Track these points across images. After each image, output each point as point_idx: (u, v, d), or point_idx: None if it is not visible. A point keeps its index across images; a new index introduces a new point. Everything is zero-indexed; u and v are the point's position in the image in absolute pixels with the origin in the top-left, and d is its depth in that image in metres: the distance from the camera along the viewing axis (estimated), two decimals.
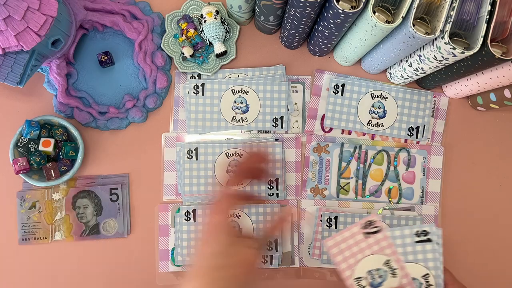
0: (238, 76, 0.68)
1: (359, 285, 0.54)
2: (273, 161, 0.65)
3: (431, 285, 0.53)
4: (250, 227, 0.66)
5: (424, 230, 0.53)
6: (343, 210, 0.67)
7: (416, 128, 0.68)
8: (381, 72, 0.69)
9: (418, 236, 0.53)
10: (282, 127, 0.67)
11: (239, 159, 0.57)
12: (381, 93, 0.68)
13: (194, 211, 0.66)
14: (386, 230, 0.54)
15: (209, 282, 0.46)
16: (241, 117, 0.67)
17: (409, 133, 0.68)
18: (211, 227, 0.49)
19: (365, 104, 0.68)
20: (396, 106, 0.68)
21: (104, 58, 0.66)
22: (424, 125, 0.68)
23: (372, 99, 0.68)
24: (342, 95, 0.68)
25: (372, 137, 0.69)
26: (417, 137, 0.68)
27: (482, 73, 0.59)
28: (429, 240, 0.53)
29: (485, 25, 0.50)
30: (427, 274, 0.53)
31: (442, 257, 0.53)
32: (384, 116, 0.68)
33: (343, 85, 0.68)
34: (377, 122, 0.68)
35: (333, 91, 0.68)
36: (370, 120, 0.68)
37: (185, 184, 0.66)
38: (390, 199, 0.68)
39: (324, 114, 0.68)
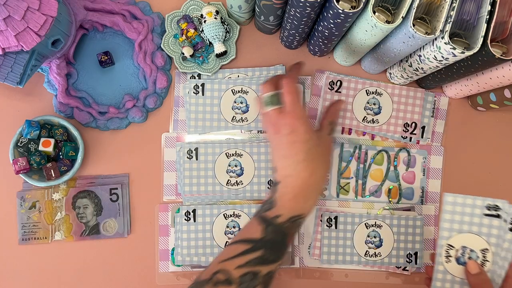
0: (238, 76, 0.68)
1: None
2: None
3: (487, 261, 0.52)
4: None
5: (496, 205, 0.52)
6: (343, 210, 0.67)
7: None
8: (381, 72, 0.69)
9: (489, 210, 0.52)
10: None
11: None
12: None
13: (194, 211, 0.66)
14: (459, 196, 0.53)
15: (309, 175, 0.53)
16: (241, 117, 0.67)
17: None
18: (295, 130, 0.53)
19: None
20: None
21: (104, 58, 0.66)
22: (424, 126, 0.68)
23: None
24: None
25: (372, 137, 0.69)
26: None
27: (482, 73, 0.59)
28: (498, 216, 0.52)
29: (485, 25, 0.50)
30: (487, 249, 0.52)
31: None
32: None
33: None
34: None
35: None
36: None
37: (185, 184, 0.66)
38: (390, 199, 0.68)
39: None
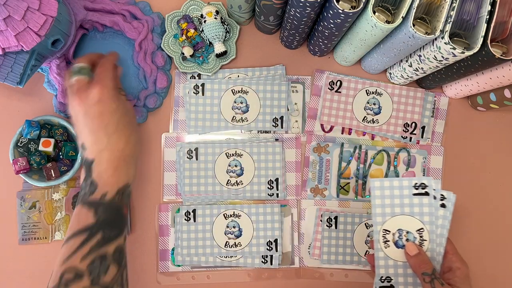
0: (238, 76, 0.68)
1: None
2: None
3: (425, 240, 0.52)
4: (250, 227, 0.66)
5: (422, 183, 0.52)
6: (343, 210, 0.67)
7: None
8: (381, 72, 0.69)
9: (416, 189, 0.52)
10: (282, 127, 0.67)
11: None
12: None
13: (194, 211, 0.66)
14: (386, 180, 0.53)
15: (124, 144, 0.52)
16: (241, 117, 0.67)
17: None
18: (95, 99, 0.51)
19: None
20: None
21: None
22: (424, 126, 0.68)
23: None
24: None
25: (372, 137, 0.69)
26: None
27: (482, 73, 0.59)
28: (426, 194, 0.52)
29: (485, 25, 0.50)
30: (422, 228, 0.52)
31: (450, 224, 0.52)
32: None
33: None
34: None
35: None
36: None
37: (185, 184, 0.66)
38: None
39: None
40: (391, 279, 0.53)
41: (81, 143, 0.53)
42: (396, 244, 0.53)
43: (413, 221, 0.52)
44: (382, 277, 0.53)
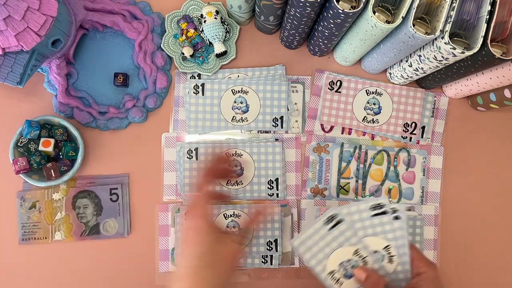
0: (238, 76, 0.68)
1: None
2: (233, 161, 0.67)
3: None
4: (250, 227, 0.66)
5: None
6: None
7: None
8: (381, 72, 0.69)
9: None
10: (282, 127, 0.67)
11: (209, 162, 0.58)
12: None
13: None
14: (346, 214, 0.53)
15: (197, 282, 0.47)
16: (241, 117, 0.67)
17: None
18: (194, 231, 0.50)
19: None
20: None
21: (120, 79, 0.65)
22: (424, 126, 0.68)
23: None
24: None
25: (372, 137, 0.69)
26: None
27: (482, 73, 0.59)
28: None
29: (485, 25, 0.50)
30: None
31: (407, 233, 0.52)
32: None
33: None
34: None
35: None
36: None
37: (185, 184, 0.66)
38: (390, 199, 0.68)
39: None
40: None
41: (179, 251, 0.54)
42: (346, 276, 0.53)
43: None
44: None
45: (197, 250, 0.49)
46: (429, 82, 0.67)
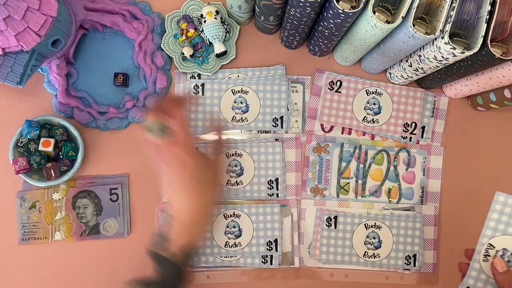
0: (238, 76, 0.68)
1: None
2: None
3: None
4: (250, 227, 0.66)
5: None
6: (343, 210, 0.67)
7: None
8: (381, 72, 0.69)
9: None
10: (282, 127, 0.67)
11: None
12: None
13: None
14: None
15: (196, 198, 0.54)
16: (241, 117, 0.67)
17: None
18: (179, 161, 0.53)
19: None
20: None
21: (120, 79, 0.65)
22: (424, 126, 0.68)
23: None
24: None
25: (372, 137, 0.69)
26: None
27: (482, 73, 0.59)
28: None
29: (485, 25, 0.50)
30: None
31: None
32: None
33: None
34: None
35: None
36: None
37: None
38: (390, 199, 0.68)
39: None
40: None
41: (167, 199, 0.63)
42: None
43: None
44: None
45: (192, 179, 0.53)
46: (429, 82, 0.67)
